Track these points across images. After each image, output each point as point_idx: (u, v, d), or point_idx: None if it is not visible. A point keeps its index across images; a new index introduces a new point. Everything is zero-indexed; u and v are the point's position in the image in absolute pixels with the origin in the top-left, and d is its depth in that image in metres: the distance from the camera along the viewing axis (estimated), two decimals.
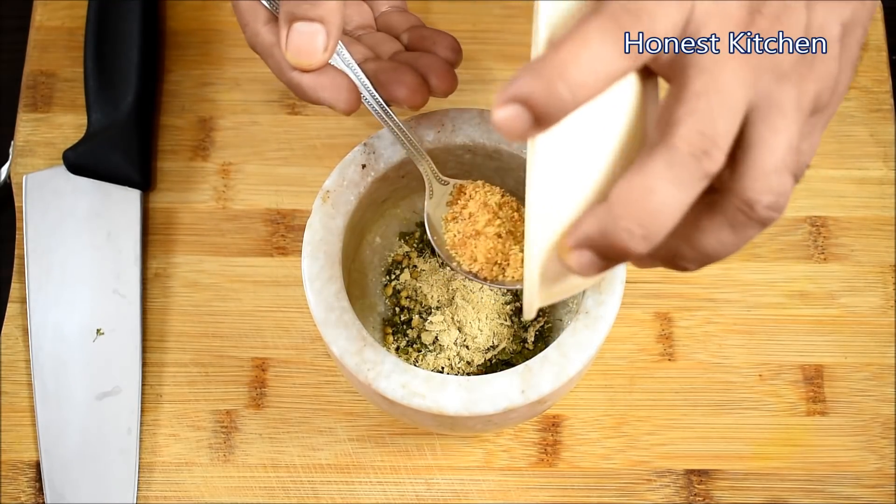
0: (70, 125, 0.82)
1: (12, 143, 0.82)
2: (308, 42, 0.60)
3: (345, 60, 0.63)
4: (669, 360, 0.76)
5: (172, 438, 0.75)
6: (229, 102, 0.83)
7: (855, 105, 0.83)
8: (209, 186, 0.81)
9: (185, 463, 0.74)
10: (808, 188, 0.81)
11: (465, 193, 0.66)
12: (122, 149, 0.79)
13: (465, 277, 0.66)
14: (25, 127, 0.82)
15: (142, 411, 0.75)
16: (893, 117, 0.82)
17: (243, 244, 0.79)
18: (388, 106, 0.65)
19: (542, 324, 0.73)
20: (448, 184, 0.67)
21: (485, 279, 0.65)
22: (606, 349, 0.76)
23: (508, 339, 0.71)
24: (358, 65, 0.64)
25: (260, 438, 0.75)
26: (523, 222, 0.66)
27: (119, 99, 0.80)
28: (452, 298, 0.71)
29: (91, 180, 0.79)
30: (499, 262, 0.65)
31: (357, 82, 0.63)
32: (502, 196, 0.67)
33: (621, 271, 0.66)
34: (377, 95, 0.64)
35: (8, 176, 0.81)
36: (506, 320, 0.72)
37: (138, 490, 0.73)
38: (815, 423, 0.75)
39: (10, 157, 0.81)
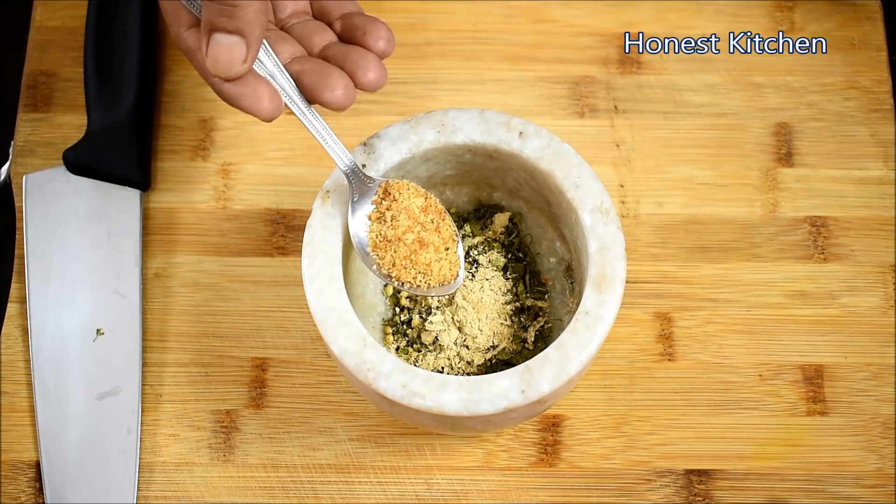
0: (70, 125, 0.82)
1: (12, 143, 0.82)
2: (226, 53, 0.60)
3: (270, 63, 0.62)
4: (669, 360, 0.76)
5: (172, 438, 0.75)
6: None
7: (855, 105, 0.83)
8: (209, 186, 0.81)
9: (185, 463, 0.74)
10: (808, 188, 0.81)
11: (389, 194, 0.66)
12: (122, 149, 0.79)
13: (384, 280, 0.67)
14: (25, 127, 0.82)
15: (142, 411, 0.75)
16: (893, 117, 0.82)
17: (243, 244, 0.79)
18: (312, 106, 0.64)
19: (542, 324, 0.73)
20: (374, 182, 0.67)
21: (402, 284, 0.66)
22: (606, 349, 0.76)
23: (508, 339, 0.71)
24: (284, 66, 0.63)
25: (260, 438, 0.75)
26: (445, 228, 0.67)
27: (119, 99, 0.80)
28: (452, 298, 0.71)
29: (91, 180, 0.79)
30: (419, 269, 0.66)
31: (280, 87, 0.62)
32: (426, 199, 0.67)
33: (621, 271, 0.66)
34: (302, 100, 0.63)
35: (8, 176, 0.81)
36: (506, 320, 0.72)
37: (138, 490, 0.73)
38: (815, 423, 0.75)
39: (10, 157, 0.81)
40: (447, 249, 0.67)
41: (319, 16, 0.67)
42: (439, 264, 0.66)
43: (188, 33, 0.62)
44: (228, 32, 0.59)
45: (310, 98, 0.63)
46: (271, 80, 0.62)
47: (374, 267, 0.66)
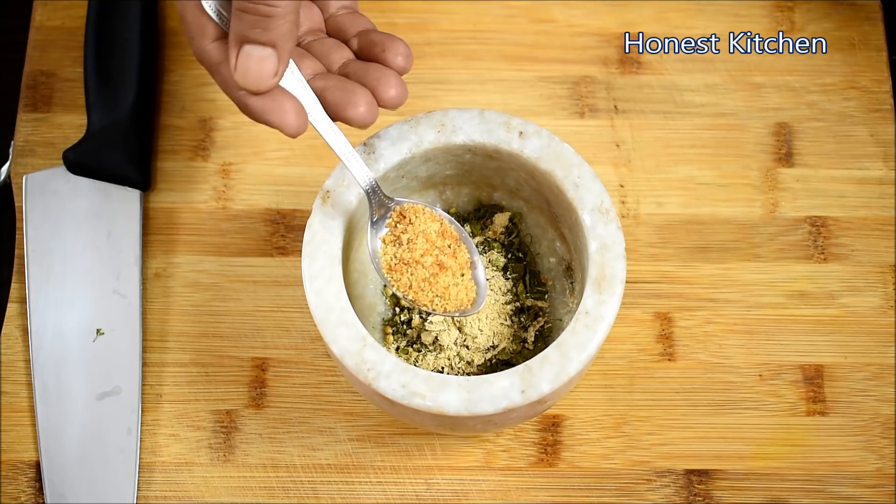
0: (70, 125, 0.82)
1: (12, 143, 0.82)
2: (257, 66, 0.59)
3: (294, 79, 0.62)
4: (669, 360, 0.76)
5: (172, 438, 0.75)
6: (229, 102, 0.82)
7: (855, 105, 0.83)
8: (209, 186, 0.81)
9: (185, 463, 0.74)
10: (808, 188, 0.81)
11: (405, 217, 0.66)
12: (122, 149, 0.79)
13: (403, 301, 0.66)
14: (25, 127, 0.82)
15: (142, 411, 0.75)
16: (893, 117, 0.82)
17: (243, 244, 0.79)
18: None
19: (542, 324, 0.73)
20: (392, 202, 0.66)
21: (423, 306, 0.66)
22: (606, 349, 0.76)
23: (508, 339, 0.71)
24: (307, 82, 0.62)
25: (260, 438, 0.75)
26: (461, 253, 0.67)
27: (119, 99, 0.80)
28: None
29: (91, 180, 0.79)
30: (437, 293, 0.66)
31: (305, 103, 0.62)
32: (441, 224, 0.67)
33: (621, 271, 0.66)
34: (326, 116, 0.63)
35: (8, 176, 0.81)
36: (506, 320, 0.72)
37: (138, 490, 0.73)
38: (815, 423, 0.75)
39: (10, 157, 0.81)
40: (462, 275, 0.67)
41: (334, 33, 0.67)
42: (457, 289, 0.66)
43: (213, 46, 0.61)
44: (261, 45, 0.59)
45: (333, 115, 0.63)
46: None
47: (394, 288, 0.66)
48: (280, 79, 0.60)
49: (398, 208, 0.66)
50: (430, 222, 0.67)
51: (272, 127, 0.61)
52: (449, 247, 0.67)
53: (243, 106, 0.61)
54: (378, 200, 0.66)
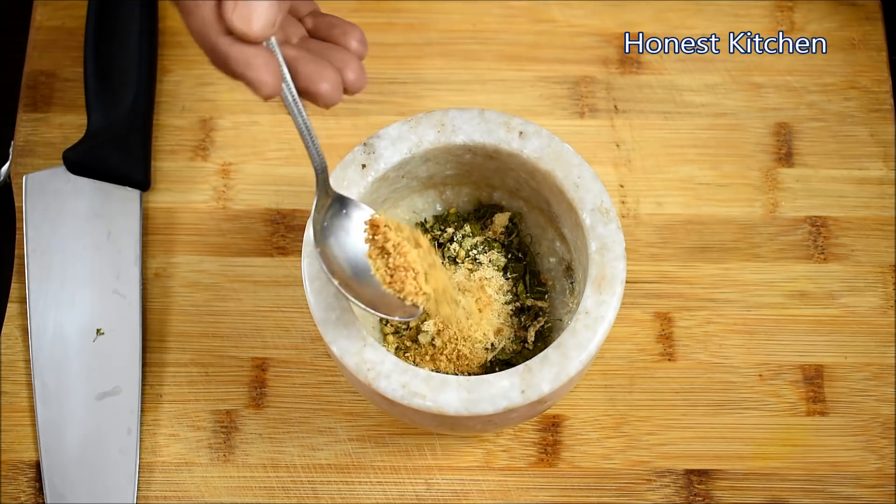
0: (70, 125, 0.82)
1: (12, 143, 0.82)
2: (259, 11, 0.55)
3: (271, 42, 0.58)
4: (669, 360, 0.76)
5: (172, 438, 0.75)
6: (229, 102, 0.83)
7: (855, 105, 0.83)
8: (209, 186, 0.81)
9: (185, 463, 0.74)
10: (808, 188, 0.81)
11: (377, 226, 0.64)
12: (122, 149, 0.79)
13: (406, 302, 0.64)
14: (25, 127, 0.82)
15: (142, 411, 0.75)
16: (893, 117, 0.82)
17: (243, 244, 0.79)
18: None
19: (542, 324, 0.73)
20: (339, 198, 0.64)
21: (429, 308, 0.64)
22: (606, 349, 0.76)
23: (508, 339, 0.71)
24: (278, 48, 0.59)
25: (260, 438, 0.75)
26: (429, 254, 0.65)
27: (119, 99, 0.80)
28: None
29: (91, 180, 0.79)
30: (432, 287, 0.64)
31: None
32: (406, 230, 0.65)
33: (621, 271, 0.66)
34: (293, 87, 0.59)
35: (8, 176, 0.81)
36: (506, 320, 0.72)
37: (138, 490, 0.73)
38: (815, 423, 0.75)
39: (10, 157, 0.81)
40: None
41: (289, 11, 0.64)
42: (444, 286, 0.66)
43: None
44: None
45: (303, 87, 0.60)
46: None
47: (404, 299, 0.63)
48: (275, 31, 0.56)
49: (368, 221, 0.64)
50: (399, 229, 0.64)
51: (246, 83, 0.57)
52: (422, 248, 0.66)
53: (221, 54, 0.56)
54: (322, 187, 0.63)
